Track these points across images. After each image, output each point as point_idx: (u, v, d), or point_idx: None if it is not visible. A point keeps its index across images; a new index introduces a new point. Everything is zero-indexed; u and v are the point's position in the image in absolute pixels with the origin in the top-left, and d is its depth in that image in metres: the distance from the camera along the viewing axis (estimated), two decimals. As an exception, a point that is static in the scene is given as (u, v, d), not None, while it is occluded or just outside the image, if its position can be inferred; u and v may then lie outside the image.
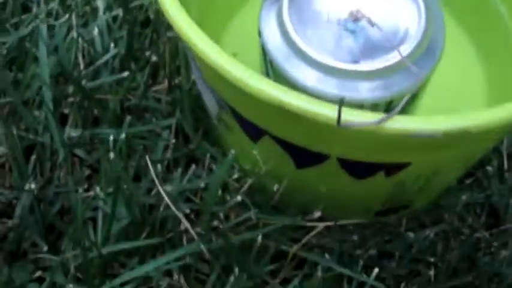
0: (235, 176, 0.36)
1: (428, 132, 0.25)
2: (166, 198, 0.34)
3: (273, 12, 0.33)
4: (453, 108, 0.40)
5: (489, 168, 0.40)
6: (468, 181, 0.41)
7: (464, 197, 0.39)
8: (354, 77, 0.31)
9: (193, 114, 0.41)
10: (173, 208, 0.34)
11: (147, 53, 0.42)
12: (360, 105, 0.31)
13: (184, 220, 0.33)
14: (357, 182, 0.33)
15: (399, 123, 0.25)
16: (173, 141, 0.40)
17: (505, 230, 0.39)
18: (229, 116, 0.33)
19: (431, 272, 0.35)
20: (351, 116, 0.25)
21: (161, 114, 0.41)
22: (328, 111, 0.25)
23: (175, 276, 0.34)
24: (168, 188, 0.36)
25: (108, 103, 0.40)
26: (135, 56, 0.42)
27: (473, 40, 0.44)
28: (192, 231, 0.33)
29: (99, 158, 0.38)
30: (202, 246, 0.33)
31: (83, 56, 0.43)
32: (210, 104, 0.34)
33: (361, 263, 0.33)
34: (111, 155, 0.35)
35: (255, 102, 0.27)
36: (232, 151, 0.34)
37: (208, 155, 0.39)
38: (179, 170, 0.38)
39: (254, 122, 0.31)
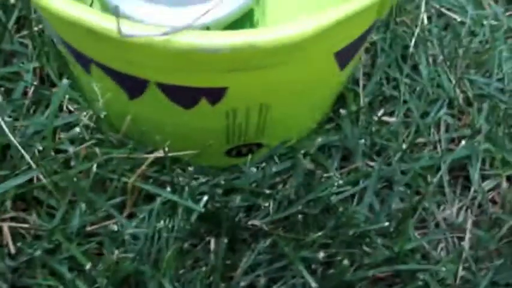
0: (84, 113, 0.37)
1: (214, 47, 0.26)
2: (6, 129, 0.34)
3: None
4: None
5: (343, 111, 0.41)
6: (328, 126, 0.43)
7: (319, 139, 0.40)
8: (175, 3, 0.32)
9: (58, 61, 0.42)
10: (12, 139, 0.34)
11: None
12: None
13: (22, 151, 0.34)
14: (187, 112, 0.34)
15: (183, 37, 0.26)
16: (35, 83, 0.40)
17: (355, 169, 0.41)
18: (62, 46, 0.34)
19: (269, 204, 0.36)
20: (135, 28, 0.26)
21: (27, 59, 0.42)
22: (107, 22, 0.26)
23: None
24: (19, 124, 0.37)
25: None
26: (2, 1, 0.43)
27: None
28: (29, 160, 0.34)
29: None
30: (39, 174, 0.34)
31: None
32: (56, 41, 0.35)
33: (187, 190, 0.34)
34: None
35: (61, 23, 0.28)
36: (65, 80, 0.35)
37: (67, 97, 0.40)
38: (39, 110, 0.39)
39: (77, 48, 0.32)
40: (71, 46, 0.32)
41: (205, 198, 0.34)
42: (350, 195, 0.39)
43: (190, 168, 0.36)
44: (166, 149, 0.37)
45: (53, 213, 0.37)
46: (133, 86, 0.32)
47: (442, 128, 0.44)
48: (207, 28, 0.32)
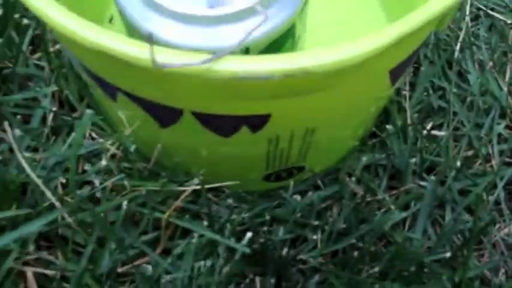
0: (110, 142, 0.34)
1: (261, 74, 0.23)
2: (25, 166, 0.31)
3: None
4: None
5: (389, 126, 0.38)
6: (371, 142, 0.39)
7: (364, 158, 0.37)
8: (213, 22, 0.29)
9: (78, 83, 0.39)
10: (33, 177, 0.31)
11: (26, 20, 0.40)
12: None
13: (44, 188, 0.31)
14: (226, 141, 0.30)
15: (225, 65, 0.23)
16: (54, 108, 0.37)
17: (406, 191, 0.37)
18: (86, 75, 0.30)
19: (317, 236, 0.33)
20: (170, 57, 0.23)
21: (45, 82, 0.39)
22: (139, 51, 0.22)
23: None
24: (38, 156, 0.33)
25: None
26: (15, 21, 0.40)
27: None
28: (52, 198, 0.31)
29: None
30: (64, 214, 0.31)
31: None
32: (75, 66, 0.32)
33: (228, 227, 0.31)
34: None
35: (84, 51, 0.24)
36: (88, 111, 0.31)
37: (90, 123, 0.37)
38: (60, 137, 0.36)
39: (103, 77, 0.29)
40: (95, 74, 0.29)
41: (249, 235, 0.31)
42: (401, 219, 0.36)
43: (230, 201, 0.32)
44: (201, 177, 0.33)
45: (80, 251, 0.34)
46: (166, 116, 0.29)
47: (495, 140, 0.41)
48: (247, 49, 0.29)
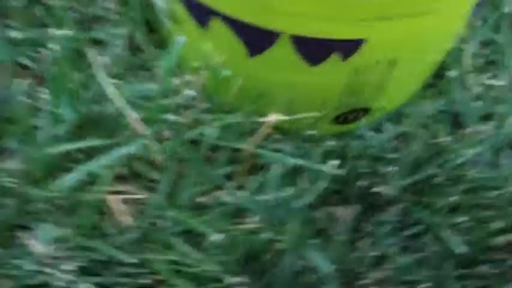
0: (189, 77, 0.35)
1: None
2: (115, 94, 0.32)
3: None
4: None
5: (450, 74, 0.39)
6: (431, 90, 0.40)
7: (428, 104, 0.38)
8: None
9: (147, 25, 0.39)
10: (120, 105, 0.32)
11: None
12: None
13: (130, 114, 0.32)
14: (311, 70, 0.31)
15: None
16: (124, 51, 0.38)
17: (468, 134, 0.38)
18: (177, 1, 0.31)
19: (392, 168, 0.34)
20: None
21: (112, 24, 0.40)
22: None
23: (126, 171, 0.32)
24: (117, 90, 0.34)
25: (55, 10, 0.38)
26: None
27: None
28: (138, 126, 0.31)
29: (43, 62, 0.36)
30: (148, 142, 0.31)
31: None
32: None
33: (318, 151, 0.32)
34: (59, 55, 0.33)
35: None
36: (180, 38, 0.32)
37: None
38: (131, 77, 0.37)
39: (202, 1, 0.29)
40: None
41: (335, 162, 0.31)
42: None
43: (313, 132, 0.33)
44: (274, 117, 0.34)
45: (153, 186, 0.34)
46: (261, 40, 0.30)
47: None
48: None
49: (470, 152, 0.35)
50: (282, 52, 0.30)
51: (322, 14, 0.27)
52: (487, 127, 0.38)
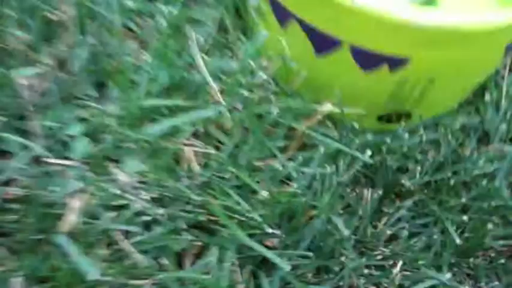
0: (264, 63, 0.42)
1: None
2: (202, 66, 0.40)
3: None
4: None
5: (487, 96, 0.45)
6: (467, 108, 0.47)
7: (460, 119, 0.44)
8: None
9: (236, 12, 0.47)
10: (205, 75, 0.39)
11: None
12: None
13: (212, 84, 0.39)
14: (365, 75, 0.38)
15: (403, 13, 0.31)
16: (214, 31, 0.46)
17: (491, 151, 0.44)
18: (264, 1, 0.38)
19: (417, 166, 0.40)
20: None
21: (208, 7, 0.47)
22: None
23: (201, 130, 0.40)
24: (204, 63, 0.42)
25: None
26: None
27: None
28: (216, 96, 0.39)
29: (148, 30, 0.44)
30: (224, 109, 0.39)
31: None
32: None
33: (356, 141, 0.39)
34: (164, 25, 0.41)
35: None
36: (264, 32, 0.39)
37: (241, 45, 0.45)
38: (216, 54, 0.44)
39: (283, 4, 0.37)
40: (276, 1, 0.37)
41: (369, 152, 0.38)
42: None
43: (357, 125, 0.40)
44: (330, 106, 0.41)
45: (220, 146, 0.42)
46: (327, 44, 0.37)
47: None
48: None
49: (488, 166, 0.41)
50: (342, 56, 0.37)
51: (378, 33, 0.34)
52: (509, 148, 0.44)
